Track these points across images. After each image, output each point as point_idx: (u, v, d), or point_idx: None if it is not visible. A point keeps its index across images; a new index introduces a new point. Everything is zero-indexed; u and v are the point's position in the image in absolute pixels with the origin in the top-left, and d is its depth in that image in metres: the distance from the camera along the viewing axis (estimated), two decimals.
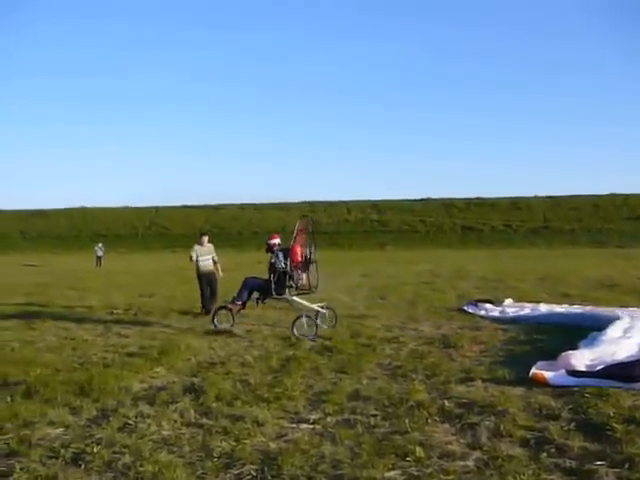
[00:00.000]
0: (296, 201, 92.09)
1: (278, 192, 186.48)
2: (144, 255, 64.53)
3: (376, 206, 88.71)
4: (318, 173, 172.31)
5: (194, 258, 13.78)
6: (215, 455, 4.88)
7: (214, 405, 6.21)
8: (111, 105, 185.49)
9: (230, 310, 11.20)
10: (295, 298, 11.19)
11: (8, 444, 5.21)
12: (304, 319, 10.43)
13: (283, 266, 10.85)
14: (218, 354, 8.84)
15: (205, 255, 13.99)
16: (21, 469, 4.66)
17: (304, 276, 11.28)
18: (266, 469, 4.58)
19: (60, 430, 5.58)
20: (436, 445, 5.02)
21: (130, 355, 8.81)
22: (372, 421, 5.67)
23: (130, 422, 5.73)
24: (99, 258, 42.74)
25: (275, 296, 10.98)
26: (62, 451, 5.01)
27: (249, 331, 10.92)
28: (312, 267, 11.36)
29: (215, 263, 14.11)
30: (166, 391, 6.81)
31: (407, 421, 5.57)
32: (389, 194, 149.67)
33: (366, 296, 17.03)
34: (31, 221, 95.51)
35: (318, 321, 10.91)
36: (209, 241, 14.38)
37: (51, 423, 5.75)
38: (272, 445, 5.10)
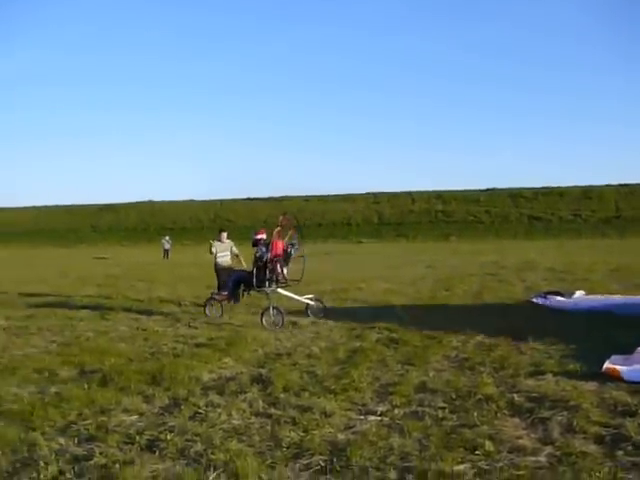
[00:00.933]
0: (360, 192, 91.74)
1: (342, 183, 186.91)
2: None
3: (440, 196, 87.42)
4: (382, 164, 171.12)
5: (214, 252, 14.01)
6: (284, 445, 4.95)
7: (282, 396, 6.29)
8: (177, 101, 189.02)
9: (218, 301, 12.14)
10: (281, 290, 11.65)
11: (87, 429, 5.43)
12: (271, 310, 10.85)
13: (267, 257, 11.34)
14: (284, 345, 8.94)
15: (223, 251, 14.26)
16: (100, 453, 4.85)
17: (284, 269, 11.68)
18: (335, 460, 4.61)
19: (135, 417, 5.76)
20: (506, 439, 4.94)
21: (199, 346, 9.00)
22: (440, 414, 5.63)
23: (201, 411, 5.87)
24: (166, 251, 43.62)
25: (257, 289, 11.50)
26: (137, 437, 5.18)
27: (315, 322, 10.98)
28: (302, 261, 11.81)
29: (237, 256, 14.34)
30: (235, 381, 6.94)
31: (475, 414, 5.52)
32: (454, 184, 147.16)
33: (431, 288, 16.88)
34: (101, 215, 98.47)
35: (309, 312, 11.71)
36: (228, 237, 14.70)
37: (126, 410, 5.95)
38: (340, 436, 5.13)
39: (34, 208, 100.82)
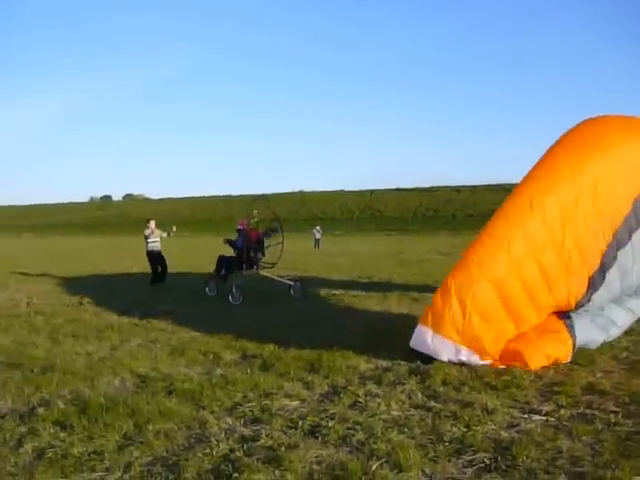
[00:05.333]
0: (513, 182, 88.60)
1: (494, 174, 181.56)
2: (359, 237, 66.19)
3: None
4: (533, 152, 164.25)
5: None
6: (446, 439, 4.88)
7: (441, 389, 6.21)
8: (330, 93, 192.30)
9: (214, 281, 14.25)
10: (264, 272, 14.21)
11: (252, 412, 5.66)
12: (234, 289, 12.98)
13: (239, 246, 13.89)
14: None
15: (155, 238, 17.34)
16: (266, 435, 5.05)
17: (258, 254, 14.09)
18: (499, 458, 4.48)
19: (296, 403, 5.93)
20: None
21: (354, 336, 9.07)
22: (612, 418, 5.30)
23: (360, 400, 5.93)
24: (317, 240, 44.42)
25: (237, 270, 13.91)
26: (300, 422, 5.34)
27: None
28: (279, 247, 14.40)
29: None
30: (392, 372, 6.95)
31: None
32: None
33: None
34: (254, 206, 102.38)
35: (292, 291, 13.89)
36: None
37: (288, 395, 6.14)
38: (504, 434, 4.98)
39: (192, 198, 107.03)
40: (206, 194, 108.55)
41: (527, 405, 5.72)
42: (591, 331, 7.56)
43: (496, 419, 5.31)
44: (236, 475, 4.31)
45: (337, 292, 14.64)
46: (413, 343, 7.26)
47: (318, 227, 47.05)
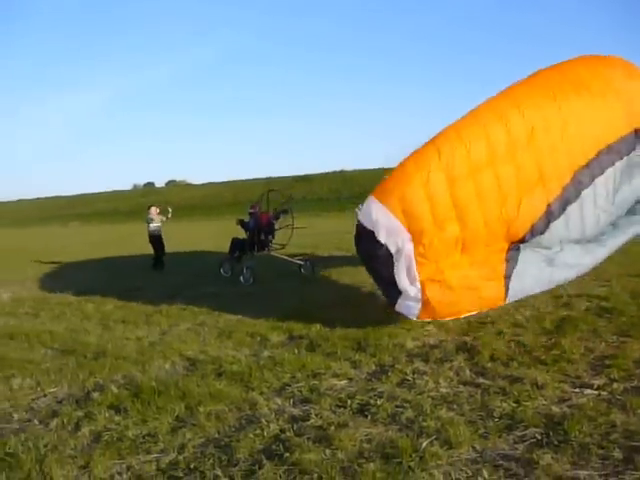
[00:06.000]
0: None
1: None
2: None
3: None
4: None
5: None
6: (495, 415, 4.86)
7: (489, 365, 6.17)
8: (368, 71, 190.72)
9: (228, 262, 14.73)
10: (274, 253, 14.70)
11: (301, 392, 5.73)
12: (244, 270, 13.62)
13: (251, 227, 14.51)
14: (488, 313, 8.68)
15: (157, 222, 17.96)
16: (316, 415, 5.11)
17: (270, 237, 14.64)
18: (551, 434, 4.44)
19: (344, 382, 5.97)
20: None
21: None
22: None
23: (408, 378, 5.94)
24: None
25: (249, 252, 14.43)
26: (349, 402, 5.38)
27: None
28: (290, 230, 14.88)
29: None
30: (439, 349, 6.93)
31: None
32: None
33: None
34: (297, 186, 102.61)
35: (302, 270, 14.44)
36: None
37: (335, 375, 6.18)
38: (555, 409, 4.93)
39: (234, 182, 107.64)
40: (248, 177, 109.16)
41: (578, 379, 5.65)
42: (542, 270, 7.44)
43: (546, 394, 5.26)
44: (287, 455, 4.38)
45: None
46: (361, 216, 7.48)
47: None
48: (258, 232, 14.50)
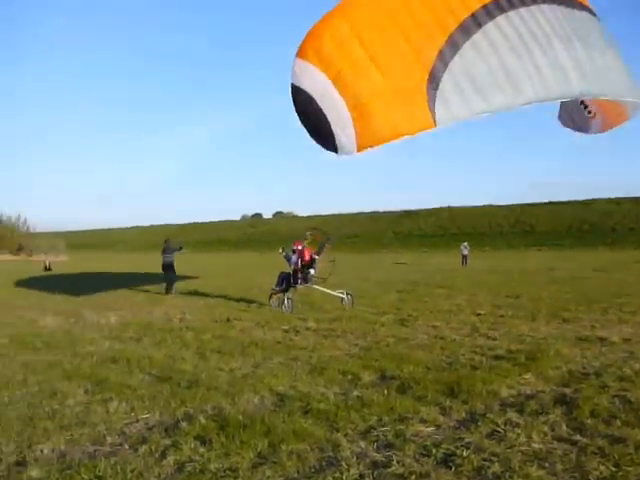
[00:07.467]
0: None
1: None
2: (508, 253, 64.07)
3: None
4: None
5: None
6: (591, 479, 4.51)
7: (589, 422, 5.77)
8: None
9: (276, 293, 16.13)
10: (317, 286, 16.17)
11: (386, 436, 5.57)
12: (286, 301, 14.95)
13: (294, 263, 16.10)
14: (592, 364, 8.22)
15: (170, 253, 22.14)
16: (398, 462, 4.94)
17: (312, 271, 16.08)
18: None
19: (431, 429, 5.76)
20: None
21: (497, 358, 8.72)
22: None
23: (499, 429, 5.65)
24: (465, 257, 43.51)
25: (293, 285, 15.90)
26: (433, 450, 5.17)
27: (627, 340, 9.95)
28: (330, 265, 16.29)
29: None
30: (535, 400, 6.57)
31: None
32: None
33: None
34: (401, 221, 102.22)
35: (343, 303, 15.67)
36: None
37: (423, 421, 5.98)
38: None
39: (340, 215, 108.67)
40: (352, 210, 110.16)
41: None
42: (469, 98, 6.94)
43: None
44: None
45: (482, 311, 14.16)
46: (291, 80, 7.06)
47: (465, 243, 46.13)
48: (302, 267, 16.02)
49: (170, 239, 23.62)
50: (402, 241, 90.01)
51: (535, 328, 11.51)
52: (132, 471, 4.97)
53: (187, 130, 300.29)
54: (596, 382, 7.23)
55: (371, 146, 7.00)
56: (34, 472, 4.98)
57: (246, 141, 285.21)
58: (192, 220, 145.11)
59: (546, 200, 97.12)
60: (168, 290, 21.03)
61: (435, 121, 6.88)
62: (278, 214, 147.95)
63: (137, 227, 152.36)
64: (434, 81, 6.94)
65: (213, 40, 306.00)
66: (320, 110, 6.97)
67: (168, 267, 21.70)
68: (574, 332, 10.86)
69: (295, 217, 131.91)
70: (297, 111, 7.29)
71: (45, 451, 5.46)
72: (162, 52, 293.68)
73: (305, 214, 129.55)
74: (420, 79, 6.96)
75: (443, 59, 7.02)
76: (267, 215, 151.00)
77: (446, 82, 7.01)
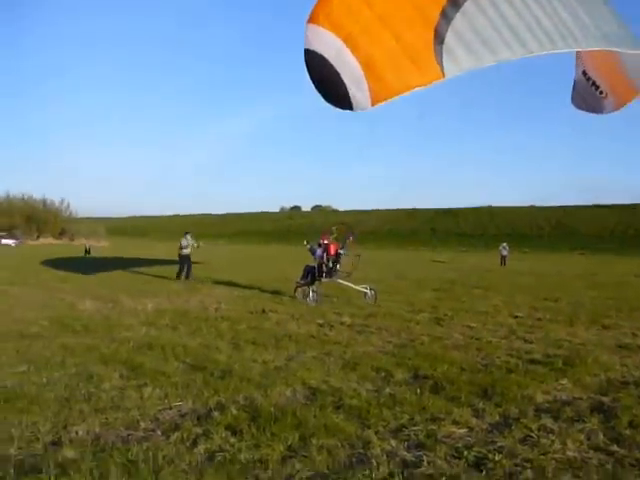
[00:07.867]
0: None
1: None
2: (549, 256, 63.06)
3: None
4: None
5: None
6: None
7: (627, 432, 5.63)
8: (515, 103, 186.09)
9: (301, 286, 16.48)
10: (341, 281, 16.36)
11: (417, 436, 5.52)
12: (311, 294, 15.40)
13: (319, 256, 16.34)
14: (632, 373, 8.02)
15: (187, 246, 23.41)
16: (428, 463, 4.89)
17: (337, 265, 16.41)
18: None
19: (464, 431, 5.68)
20: None
21: (533, 362, 8.57)
22: None
23: (532, 435, 5.55)
24: (504, 257, 43.05)
25: (318, 278, 16.19)
26: (465, 452, 5.10)
27: None
28: (355, 259, 16.38)
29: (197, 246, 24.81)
30: (571, 407, 6.44)
31: None
32: None
33: None
34: (440, 219, 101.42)
35: (365, 298, 15.91)
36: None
37: (455, 422, 5.90)
38: None
39: (378, 211, 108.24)
40: (392, 207, 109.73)
41: None
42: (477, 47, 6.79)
43: None
44: None
45: (519, 314, 13.95)
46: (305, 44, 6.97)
47: (505, 244, 45.59)
48: (327, 261, 16.35)
49: (189, 232, 24.57)
50: (441, 239, 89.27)
51: (573, 333, 11.29)
52: (164, 457, 5.01)
53: (232, 121, 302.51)
54: (636, 392, 7.05)
55: (385, 99, 7.10)
56: (69, 453, 5.06)
57: (291, 131, 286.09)
58: (231, 210, 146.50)
59: (590, 203, 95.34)
60: (179, 276, 22.77)
61: (444, 73, 6.98)
62: (317, 207, 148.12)
63: (177, 215, 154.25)
64: (439, 37, 7.05)
65: (258, 29, 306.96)
66: (335, 71, 7.10)
67: (187, 260, 23.18)
68: (614, 339, 10.62)
69: (334, 211, 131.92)
70: (311, 74, 7.40)
71: (80, 433, 5.54)
72: (207, 45, 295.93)
73: (343, 208, 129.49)
74: (426, 36, 7.09)
75: (446, 16, 7.13)
76: (306, 208, 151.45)
77: (450, 37, 7.11)
